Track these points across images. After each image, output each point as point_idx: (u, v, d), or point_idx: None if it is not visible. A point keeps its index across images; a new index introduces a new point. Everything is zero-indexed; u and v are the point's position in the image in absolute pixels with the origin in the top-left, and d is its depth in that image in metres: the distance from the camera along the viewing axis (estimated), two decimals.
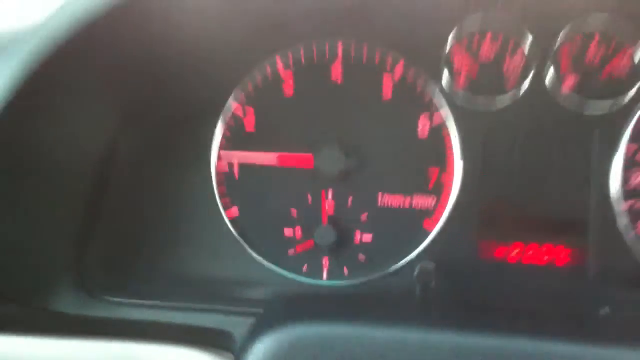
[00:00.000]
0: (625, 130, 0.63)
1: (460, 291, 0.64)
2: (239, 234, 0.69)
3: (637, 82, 0.63)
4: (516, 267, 0.66)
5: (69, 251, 0.63)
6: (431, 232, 0.66)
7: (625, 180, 0.63)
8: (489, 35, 0.65)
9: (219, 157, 0.69)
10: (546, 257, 0.65)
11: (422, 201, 0.67)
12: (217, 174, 0.70)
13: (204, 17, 0.58)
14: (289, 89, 0.69)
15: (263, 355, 0.48)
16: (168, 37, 0.58)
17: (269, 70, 0.68)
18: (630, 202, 0.63)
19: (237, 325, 0.62)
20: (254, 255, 0.69)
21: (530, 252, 0.65)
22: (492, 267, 0.66)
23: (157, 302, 0.65)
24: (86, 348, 0.61)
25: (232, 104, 0.69)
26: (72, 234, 0.63)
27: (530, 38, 0.63)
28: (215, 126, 0.69)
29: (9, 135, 0.50)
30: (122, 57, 0.57)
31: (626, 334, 0.49)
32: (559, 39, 0.63)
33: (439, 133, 0.67)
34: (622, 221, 0.63)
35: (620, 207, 0.63)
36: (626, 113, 0.64)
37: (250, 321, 0.60)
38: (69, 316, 0.62)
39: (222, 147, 0.69)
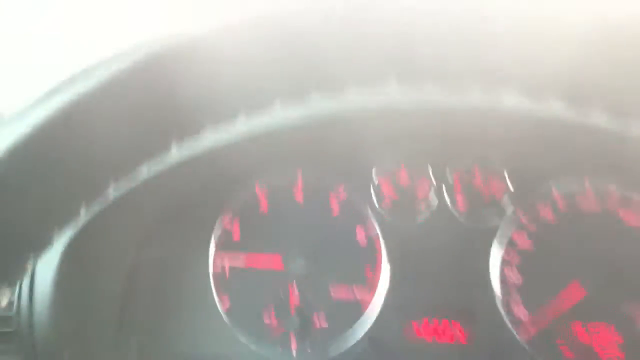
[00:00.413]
0: (501, 240, 0.88)
1: None
2: (231, 322, 0.92)
3: (507, 203, 0.90)
4: (432, 345, 0.88)
5: (110, 336, 0.87)
6: (368, 317, 0.89)
7: (501, 276, 0.88)
8: (404, 172, 0.93)
9: (214, 263, 0.95)
10: (454, 337, 0.89)
11: (361, 294, 0.90)
12: (214, 275, 0.95)
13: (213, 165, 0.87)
14: (264, 208, 0.95)
15: None
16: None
17: (249, 194, 0.95)
18: (504, 294, 0.87)
19: None
20: (242, 338, 0.92)
21: (440, 333, 0.89)
22: (414, 345, 0.88)
23: None
24: None
25: (223, 221, 0.95)
26: (111, 326, 0.88)
27: (433, 179, 0.91)
28: (210, 239, 0.95)
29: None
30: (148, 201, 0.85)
31: None
32: (451, 175, 0.91)
33: (372, 241, 0.92)
34: (501, 307, 0.87)
35: (499, 297, 0.87)
36: (502, 225, 0.88)
37: None
38: None
39: (216, 255, 0.95)
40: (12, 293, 0.71)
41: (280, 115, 0.76)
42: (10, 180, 0.33)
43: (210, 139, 0.75)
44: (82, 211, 0.37)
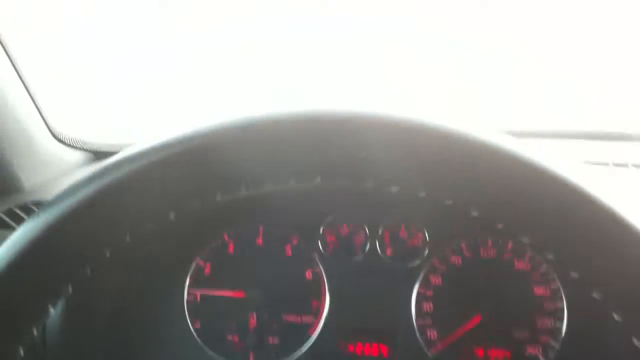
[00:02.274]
0: (418, 278, 1.12)
1: None
2: (200, 339, 1.13)
3: (424, 250, 1.12)
4: (361, 357, 1.12)
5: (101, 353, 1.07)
6: (312, 337, 1.12)
7: (417, 306, 1.11)
8: (344, 225, 1.14)
9: (188, 292, 1.16)
10: (379, 352, 1.12)
11: (307, 319, 1.12)
12: (187, 302, 1.16)
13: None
14: (230, 250, 1.16)
15: None
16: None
17: (219, 241, 1.16)
18: (419, 320, 1.11)
19: None
20: (210, 352, 1.13)
21: (368, 348, 1.12)
22: (347, 357, 1.11)
23: None
24: None
25: (197, 261, 1.15)
26: (101, 344, 1.08)
27: (367, 231, 1.13)
28: (187, 273, 1.15)
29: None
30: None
31: None
32: (381, 229, 1.13)
33: (318, 278, 1.14)
34: (416, 330, 1.10)
35: (414, 321, 1.10)
36: (420, 266, 1.12)
37: None
38: None
39: (190, 285, 1.16)
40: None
41: None
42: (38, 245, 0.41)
43: None
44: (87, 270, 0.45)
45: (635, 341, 0.42)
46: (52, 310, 0.43)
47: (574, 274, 0.42)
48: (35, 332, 0.43)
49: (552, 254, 0.43)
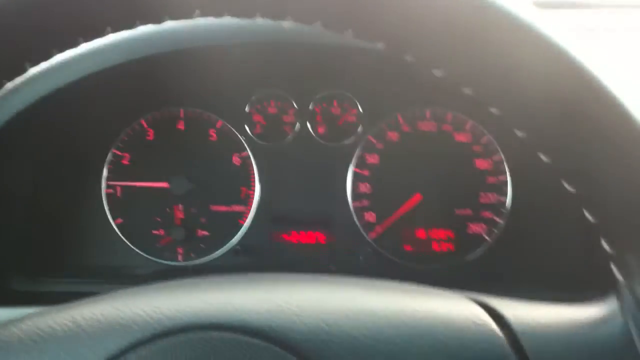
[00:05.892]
0: (353, 157, 1.04)
1: (259, 262, 1.04)
2: (123, 235, 1.05)
3: (358, 126, 1.04)
4: (297, 245, 1.04)
5: (16, 249, 0.98)
6: (244, 227, 1.04)
7: (353, 188, 1.04)
8: (272, 102, 1.04)
9: (107, 185, 1.06)
10: (315, 238, 1.06)
11: (238, 208, 1.04)
12: (106, 195, 1.06)
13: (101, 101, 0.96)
14: (150, 137, 1.05)
15: None
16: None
17: (137, 126, 1.05)
18: (356, 202, 1.04)
19: None
20: (134, 248, 1.05)
21: (303, 235, 1.06)
22: (280, 246, 1.04)
23: (72, 280, 1.01)
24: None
25: (115, 150, 1.05)
26: (16, 239, 0.98)
27: (296, 107, 1.03)
28: (103, 164, 1.05)
29: None
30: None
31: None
32: (311, 104, 1.04)
33: (246, 162, 1.05)
34: (353, 213, 1.04)
35: (351, 204, 1.04)
36: (354, 144, 1.03)
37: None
38: (18, 291, 0.98)
39: (109, 177, 1.05)
40: None
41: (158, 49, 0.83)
42: None
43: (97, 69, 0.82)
44: None
45: (585, 212, 0.38)
46: None
47: (520, 133, 0.38)
48: None
49: (497, 106, 0.38)
